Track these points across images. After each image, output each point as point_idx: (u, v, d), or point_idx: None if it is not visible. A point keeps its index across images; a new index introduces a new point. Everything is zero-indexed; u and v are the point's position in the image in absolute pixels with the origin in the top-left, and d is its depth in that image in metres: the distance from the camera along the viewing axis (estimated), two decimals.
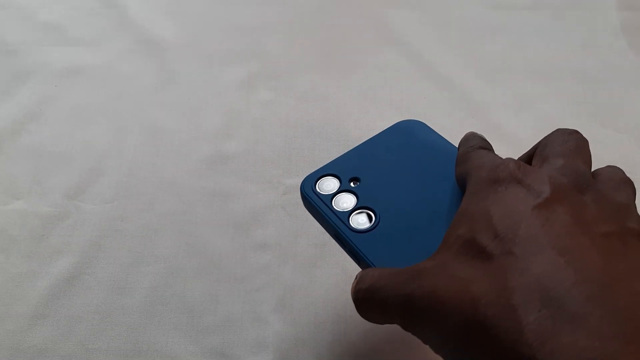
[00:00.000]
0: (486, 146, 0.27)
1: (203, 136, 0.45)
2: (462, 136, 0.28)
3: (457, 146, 0.29)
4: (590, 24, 0.52)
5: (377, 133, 0.31)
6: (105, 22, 0.53)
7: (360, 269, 0.25)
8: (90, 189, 0.42)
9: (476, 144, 0.27)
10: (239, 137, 0.45)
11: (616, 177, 0.23)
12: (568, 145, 0.23)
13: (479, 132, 0.28)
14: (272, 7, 0.54)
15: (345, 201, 0.28)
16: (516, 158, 0.44)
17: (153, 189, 0.42)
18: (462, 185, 0.25)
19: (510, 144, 0.44)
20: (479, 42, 0.51)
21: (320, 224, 0.28)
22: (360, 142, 0.31)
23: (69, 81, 0.48)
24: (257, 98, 0.47)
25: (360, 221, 0.27)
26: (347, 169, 0.29)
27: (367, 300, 0.23)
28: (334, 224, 0.27)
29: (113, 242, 0.39)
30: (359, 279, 0.24)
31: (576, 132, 0.25)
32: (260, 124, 0.45)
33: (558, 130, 0.25)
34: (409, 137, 0.31)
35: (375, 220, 0.27)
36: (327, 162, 0.30)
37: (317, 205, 0.28)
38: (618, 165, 0.43)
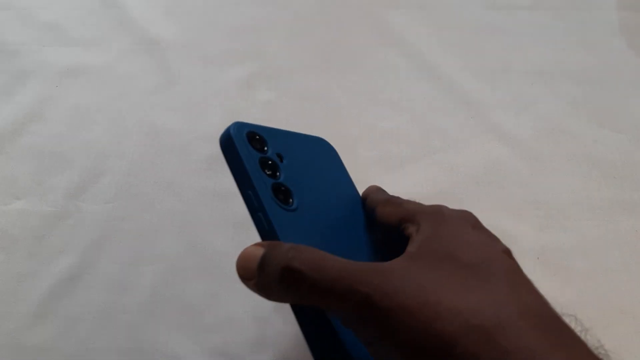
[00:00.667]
0: None
1: (203, 136, 0.45)
2: (366, 189, 0.31)
3: (351, 178, 0.31)
4: (590, 24, 0.52)
5: (300, 132, 0.30)
6: (105, 22, 0.53)
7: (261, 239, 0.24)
8: (90, 189, 0.42)
9: (390, 195, 0.30)
10: None
11: None
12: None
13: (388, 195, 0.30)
14: (272, 7, 0.54)
15: (270, 170, 0.25)
16: (516, 159, 0.44)
17: (153, 189, 0.42)
18: (395, 221, 0.26)
19: (510, 144, 0.44)
20: (479, 42, 0.51)
21: (235, 177, 0.25)
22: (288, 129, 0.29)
23: (69, 81, 0.48)
24: (257, 98, 0.47)
25: (280, 196, 0.24)
26: (277, 142, 0.26)
27: (302, 274, 0.21)
28: (255, 184, 0.23)
29: (113, 242, 0.39)
30: (291, 248, 0.21)
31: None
32: (260, 123, 0.45)
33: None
34: (324, 153, 0.31)
35: (293, 204, 0.24)
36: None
37: (243, 156, 0.24)
38: (617, 166, 0.44)
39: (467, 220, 0.25)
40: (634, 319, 0.36)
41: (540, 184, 0.42)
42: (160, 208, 0.41)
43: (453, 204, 0.41)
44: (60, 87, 0.48)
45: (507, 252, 0.23)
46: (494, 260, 0.22)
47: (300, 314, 0.23)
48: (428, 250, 0.22)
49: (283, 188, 0.25)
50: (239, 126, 0.25)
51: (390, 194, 0.30)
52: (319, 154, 0.30)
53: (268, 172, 0.25)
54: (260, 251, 0.22)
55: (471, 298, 0.20)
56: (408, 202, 0.28)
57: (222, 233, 0.40)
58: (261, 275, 0.22)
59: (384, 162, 0.43)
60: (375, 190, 0.30)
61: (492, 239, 0.24)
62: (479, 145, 0.44)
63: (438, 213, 0.25)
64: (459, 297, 0.20)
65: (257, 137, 0.26)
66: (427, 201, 0.41)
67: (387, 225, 0.27)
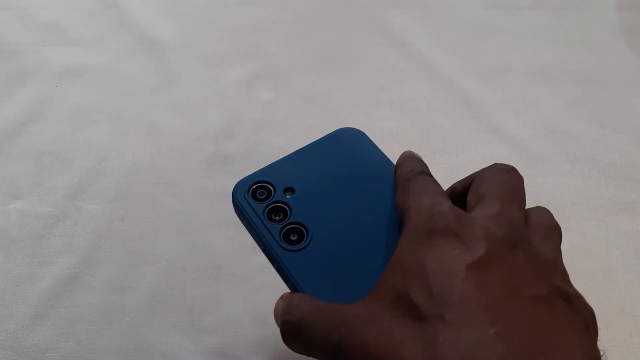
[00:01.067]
0: (425, 170, 0.26)
1: (203, 136, 0.45)
2: (400, 155, 0.28)
3: (394, 163, 0.28)
4: (590, 24, 0.52)
5: (316, 139, 0.29)
6: (105, 22, 0.53)
7: (287, 288, 0.25)
8: (90, 189, 0.42)
9: (416, 167, 0.26)
10: (239, 137, 0.45)
11: (545, 223, 0.23)
12: (505, 186, 0.23)
13: (415, 153, 0.28)
14: (272, 7, 0.54)
15: (278, 214, 0.26)
16: (516, 159, 0.44)
17: (153, 189, 0.42)
18: (400, 215, 0.24)
19: (510, 144, 0.44)
20: (479, 42, 0.51)
21: (250, 235, 0.27)
22: (299, 148, 0.29)
23: (69, 81, 0.49)
24: (257, 98, 0.47)
25: (291, 238, 0.25)
26: (282, 178, 0.27)
27: (293, 333, 0.23)
28: (265, 238, 0.25)
29: (113, 242, 0.39)
30: (287, 308, 0.23)
31: (513, 169, 0.24)
32: (260, 124, 0.45)
33: (495, 165, 0.25)
34: (347, 148, 0.29)
35: (307, 239, 0.25)
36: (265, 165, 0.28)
37: (248, 216, 0.26)
38: (617, 166, 0.44)
39: (435, 229, 0.21)
40: (634, 319, 0.36)
41: (540, 184, 0.42)
42: (160, 208, 0.41)
43: None
44: (60, 87, 0.48)
45: (475, 265, 0.20)
46: (448, 289, 0.19)
47: None
48: (387, 286, 0.21)
49: (294, 227, 0.25)
50: (241, 185, 0.27)
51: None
52: (340, 151, 0.29)
53: (277, 218, 0.26)
54: (280, 305, 0.24)
55: (413, 350, 0.18)
56: (411, 187, 0.25)
57: (222, 233, 0.40)
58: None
59: None
60: (402, 161, 0.27)
61: (462, 249, 0.20)
62: (479, 145, 0.44)
63: (411, 218, 0.22)
64: (401, 349, 0.19)
65: (261, 184, 0.27)
66: None
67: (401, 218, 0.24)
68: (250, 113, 0.46)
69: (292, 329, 0.22)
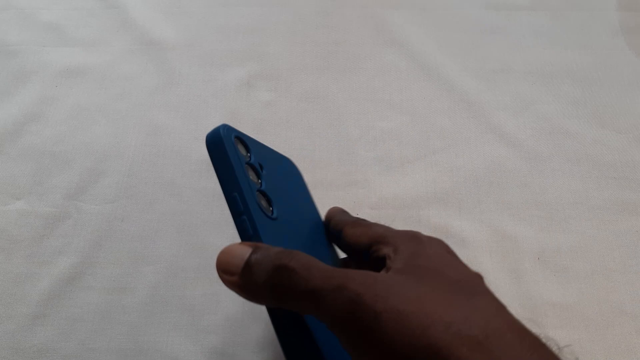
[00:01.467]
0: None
1: (203, 136, 0.45)
2: (328, 210, 0.31)
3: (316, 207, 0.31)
4: (590, 24, 0.52)
5: (273, 149, 0.30)
6: (105, 22, 0.53)
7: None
8: (90, 189, 0.42)
9: (351, 217, 0.30)
10: None
11: None
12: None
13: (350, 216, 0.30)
14: (272, 7, 0.54)
15: (254, 176, 0.25)
16: (516, 159, 0.44)
17: (153, 189, 0.42)
18: (353, 242, 0.27)
19: (510, 144, 0.44)
20: (479, 42, 0.51)
21: (221, 179, 0.24)
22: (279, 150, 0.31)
23: (69, 81, 0.49)
24: (257, 98, 0.47)
25: (263, 203, 0.24)
26: (257, 152, 0.27)
27: (295, 273, 0.21)
28: (243, 187, 0.23)
29: (113, 242, 0.39)
30: (281, 251, 0.22)
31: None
32: (260, 124, 0.45)
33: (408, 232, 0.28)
34: (292, 172, 0.31)
35: (273, 213, 0.25)
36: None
37: (232, 159, 0.24)
38: (617, 166, 0.44)
39: (442, 245, 0.25)
40: (634, 319, 0.36)
41: (540, 184, 0.42)
42: (160, 208, 0.41)
43: (453, 205, 0.41)
44: (60, 87, 0.48)
45: (481, 276, 0.24)
46: (474, 280, 0.23)
47: (279, 319, 0.23)
48: (414, 266, 0.22)
49: (265, 196, 0.25)
50: (228, 128, 0.25)
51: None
52: (288, 172, 0.30)
53: (253, 178, 0.25)
54: (246, 251, 0.22)
55: (461, 311, 0.20)
56: (377, 224, 0.28)
57: (222, 233, 0.40)
58: (246, 275, 0.22)
59: (383, 162, 0.43)
60: (341, 212, 0.30)
61: (464, 264, 0.24)
62: (479, 145, 0.44)
63: (415, 237, 0.25)
64: (450, 309, 0.20)
65: (243, 142, 0.26)
66: (427, 202, 0.41)
67: (356, 246, 0.27)
68: (250, 113, 0.46)
69: (294, 269, 0.21)
